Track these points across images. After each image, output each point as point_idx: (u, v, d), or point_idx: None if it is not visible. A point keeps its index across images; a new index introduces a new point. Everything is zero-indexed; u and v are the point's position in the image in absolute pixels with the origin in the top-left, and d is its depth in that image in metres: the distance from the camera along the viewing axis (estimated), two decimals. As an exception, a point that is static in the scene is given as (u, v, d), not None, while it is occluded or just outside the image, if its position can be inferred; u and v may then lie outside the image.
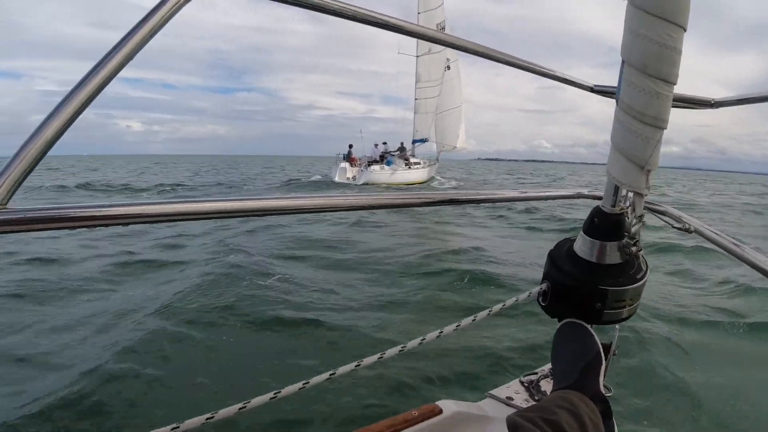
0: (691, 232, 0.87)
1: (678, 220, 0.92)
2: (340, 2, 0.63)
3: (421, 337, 0.79)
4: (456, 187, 23.78)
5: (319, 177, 24.61)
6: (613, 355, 0.92)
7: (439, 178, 26.72)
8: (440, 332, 0.80)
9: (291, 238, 7.62)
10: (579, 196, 1.04)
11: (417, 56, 25.64)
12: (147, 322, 3.73)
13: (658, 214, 0.96)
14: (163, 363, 3.12)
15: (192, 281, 4.84)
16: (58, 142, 0.44)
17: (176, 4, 0.49)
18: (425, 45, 24.72)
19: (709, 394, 2.87)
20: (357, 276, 5.46)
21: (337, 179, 21.45)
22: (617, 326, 0.90)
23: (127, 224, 0.50)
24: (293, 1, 0.59)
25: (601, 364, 0.82)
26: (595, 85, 0.95)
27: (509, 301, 0.90)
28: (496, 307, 0.88)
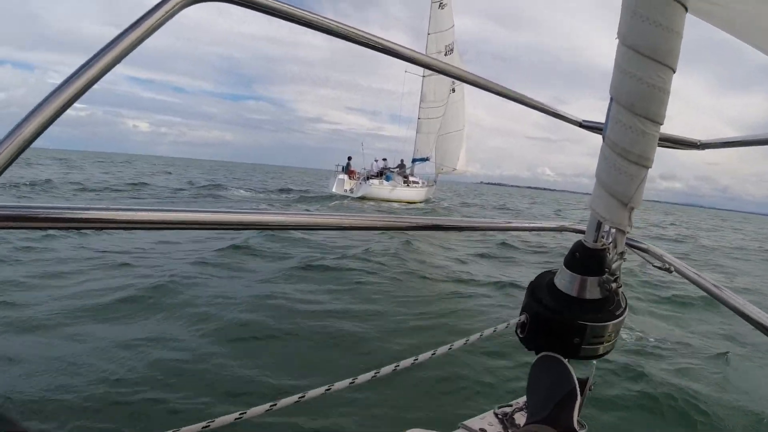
0: (671, 272, 0.88)
1: (660, 259, 0.92)
2: (352, 28, 0.64)
3: (395, 364, 0.78)
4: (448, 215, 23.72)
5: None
6: (589, 390, 0.91)
7: (434, 199, 26.66)
8: (415, 359, 0.79)
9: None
10: (562, 229, 1.04)
11: (423, 76, 25.88)
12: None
13: (640, 252, 0.96)
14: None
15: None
16: (48, 134, 0.42)
17: (174, 7, 0.47)
18: (433, 66, 24.94)
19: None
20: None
21: (334, 190, 21.41)
22: (594, 362, 0.90)
23: (100, 229, 0.49)
24: (306, 22, 0.59)
25: (576, 399, 0.80)
26: (584, 121, 0.96)
27: (487, 331, 0.88)
28: (474, 337, 0.87)
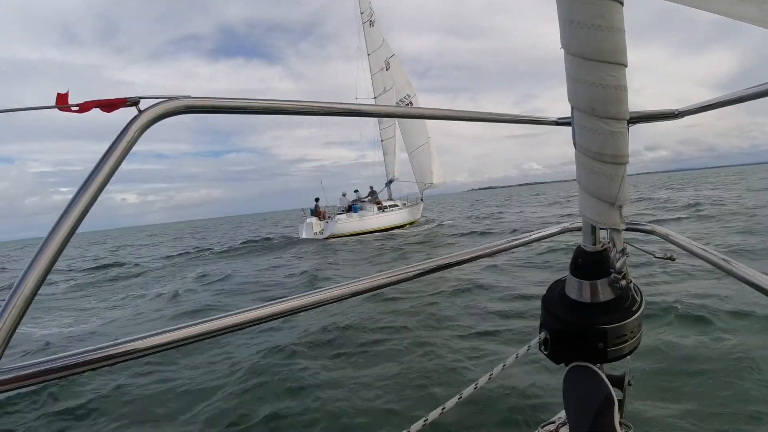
0: (673, 260, 0.89)
1: (665, 238, 0.93)
2: (327, 104, 0.70)
3: (423, 419, 0.77)
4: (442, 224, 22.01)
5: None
6: (629, 385, 0.89)
7: (423, 219, 25.05)
8: (443, 409, 0.79)
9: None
10: (564, 230, 1.04)
11: (375, 97, 24.88)
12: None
13: (645, 233, 0.97)
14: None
15: None
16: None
17: (137, 131, 0.51)
18: (380, 85, 24.05)
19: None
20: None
21: (304, 236, 19.73)
22: (628, 356, 0.85)
23: (121, 362, 0.49)
24: (279, 110, 0.65)
25: (613, 404, 0.78)
26: (559, 118, 0.96)
27: (509, 360, 0.88)
28: (497, 369, 0.86)
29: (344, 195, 22.00)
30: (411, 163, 24.87)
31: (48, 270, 0.45)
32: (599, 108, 0.69)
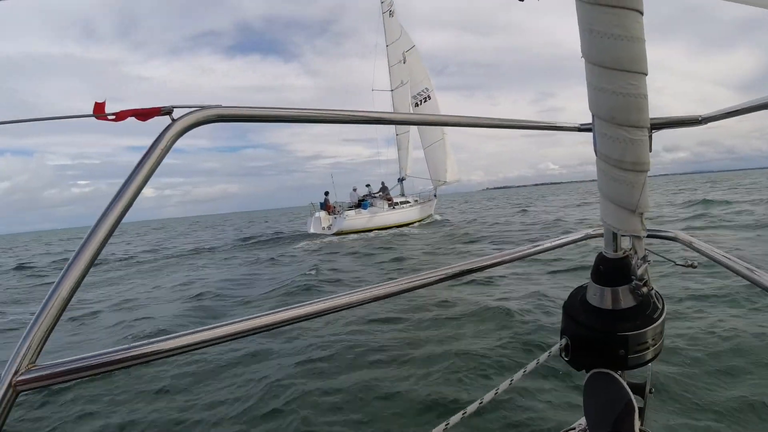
0: (695, 267, 0.88)
1: (689, 246, 0.93)
2: (341, 111, 0.73)
3: (445, 423, 0.78)
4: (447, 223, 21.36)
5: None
6: (650, 393, 0.89)
7: (437, 216, 24.42)
8: (464, 413, 0.80)
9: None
10: (588, 237, 1.04)
11: (392, 90, 24.25)
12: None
13: (668, 241, 0.98)
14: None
15: None
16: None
17: (168, 141, 0.53)
18: (398, 78, 23.40)
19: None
20: None
21: (312, 230, 19.28)
22: (650, 364, 0.85)
23: (151, 361, 0.51)
24: (294, 118, 0.66)
25: (633, 411, 0.79)
26: (581, 124, 0.97)
27: (530, 366, 0.88)
28: (518, 374, 0.86)
29: (355, 190, 21.50)
30: (426, 159, 24.31)
31: (86, 272, 0.46)
32: (620, 116, 0.71)
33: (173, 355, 0.51)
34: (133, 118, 0.53)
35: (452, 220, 23.85)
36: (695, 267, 0.86)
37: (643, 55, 0.68)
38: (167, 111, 0.52)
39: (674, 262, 0.90)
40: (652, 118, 0.79)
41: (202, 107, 0.55)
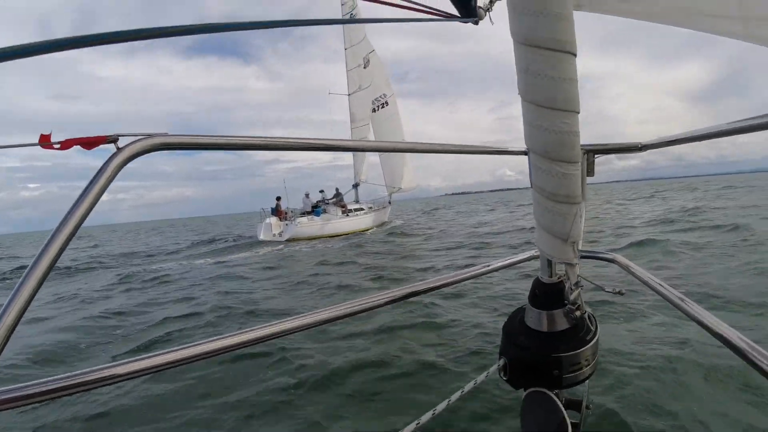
0: (622, 294, 0.91)
1: (626, 269, 0.95)
2: (322, 139, 0.74)
3: None
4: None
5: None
6: (587, 409, 0.93)
7: (396, 222, 24.35)
8: None
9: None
10: (531, 258, 1.08)
11: (348, 95, 23.96)
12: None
13: (606, 262, 1.01)
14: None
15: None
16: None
17: (115, 168, 0.53)
18: (356, 82, 23.13)
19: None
20: None
21: (262, 237, 18.50)
22: (586, 382, 0.89)
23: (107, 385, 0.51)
24: (264, 146, 0.66)
25: (567, 429, 0.83)
26: (529, 148, 0.99)
27: (468, 386, 0.89)
28: (455, 396, 0.86)
29: (307, 196, 20.93)
30: (382, 166, 24.18)
31: (28, 302, 0.45)
32: (553, 152, 0.73)
33: (123, 380, 0.50)
34: (78, 147, 0.53)
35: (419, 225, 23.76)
36: (623, 294, 0.90)
37: (576, 94, 0.70)
38: (113, 139, 0.53)
39: (603, 288, 0.94)
40: (594, 144, 0.89)
41: (149, 135, 0.55)
